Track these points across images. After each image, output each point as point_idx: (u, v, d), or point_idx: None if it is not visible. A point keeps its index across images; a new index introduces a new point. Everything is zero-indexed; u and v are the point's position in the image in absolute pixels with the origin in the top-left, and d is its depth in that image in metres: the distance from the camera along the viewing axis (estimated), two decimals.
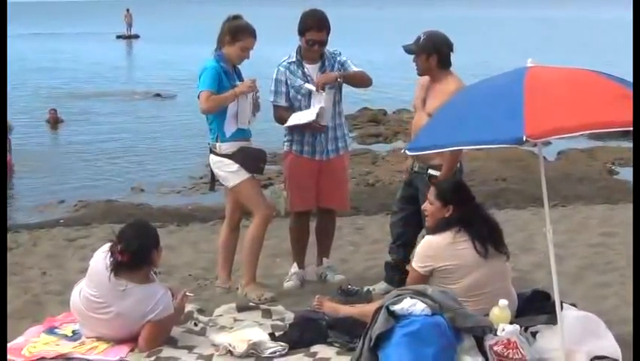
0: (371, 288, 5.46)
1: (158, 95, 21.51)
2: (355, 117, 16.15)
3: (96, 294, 4.57)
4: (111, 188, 11.07)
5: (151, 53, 38.25)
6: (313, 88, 5.56)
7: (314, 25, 5.57)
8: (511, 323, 4.24)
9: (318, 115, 5.53)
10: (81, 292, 4.66)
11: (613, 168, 11.72)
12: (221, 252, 5.82)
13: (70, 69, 29.79)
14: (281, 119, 5.75)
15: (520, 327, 4.27)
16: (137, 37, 48.60)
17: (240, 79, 5.56)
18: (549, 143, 10.98)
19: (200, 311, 5.11)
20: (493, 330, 4.17)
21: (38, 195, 10.69)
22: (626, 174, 11.06)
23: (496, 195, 9.39)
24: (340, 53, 5.77)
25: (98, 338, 4.64)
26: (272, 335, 4.62)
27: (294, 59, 5.68)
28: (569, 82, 4.01)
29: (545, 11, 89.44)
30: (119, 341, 4.59)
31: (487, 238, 4.53)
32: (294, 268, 6.01)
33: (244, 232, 5.78)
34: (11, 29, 31.23)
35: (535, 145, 4.04)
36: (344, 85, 5.73)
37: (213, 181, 5.85)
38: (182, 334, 4.74)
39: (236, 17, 5.57)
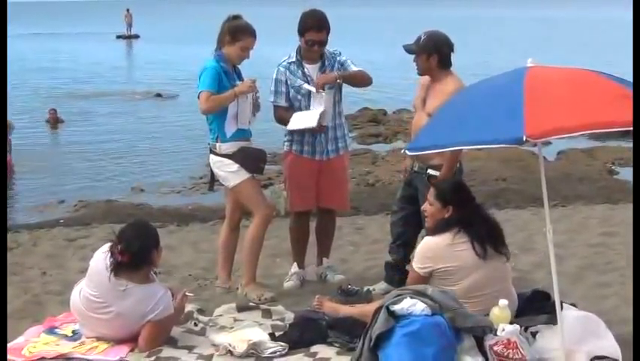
0: (371, 288, 5.46)
1: (158, 95, 21.50)
2: (355, 117, 16.15)
3: (96, 294, 4.57)
4: (111, 188, 11.07)
5: (151, 53, 38.24)
6: (313, 89, 5.56)
7: (314, 26, 5.57)
8: (511, 323, 4.24)
9: (318, 119, 5.53)
10: (81, 292, 4.66)
11: (613, 168, 11.72)
12: (221, 252, 5.82)
13: (70, 69, 29.79)
14: (281, 120, 5.75)
15: (520, 327, 4.27)
16: (137, 37, 48.61)
17: (240, 79, 5.56)
18: (549, 143, 10.98)
19: (200, 311, 5.11)
20: (493, 330, 4.17)
21: (38, 195, 10.69)
22: (626, 174, 11.06)
23: (496, 195, 9.39)
24: (340, 53, 5.77)
25: (98, 338, 4.63)
26: (272, 335, 4.62)
27: (294, 59, 5.68)
28: (569, 82, 4.01)
29: (545, 11, 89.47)
30: (119, 341, 4.59)
31: (487, 238, 4.52)
32: (294, 268, 6.01)
33: (244, 232, 5.78)
34: (11, 29, 31.24)
35: (535, 145, 4.03)
36: (344, 85, 5.73)
37: (213, 181, 5.85)
38: (182, 334, 4.74)
39: (236, 17, 5.57)
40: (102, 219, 8.65)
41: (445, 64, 5.36)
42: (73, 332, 4.79)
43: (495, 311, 4.30)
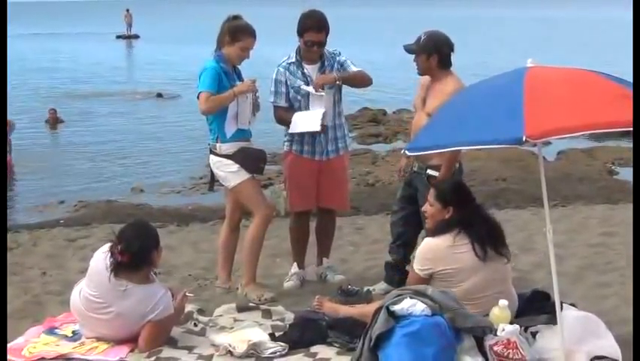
0: (371, 288, 5.47)
1: (159, 95, 21.49)
2: (355, 117, 16.15)
3: (96, 294, 4.57)
4: (111, 188, 11.07)
5: (151, 53, 38.25)
6: (312, 90, 5.55)
7: (313, 26, 5.57)
8: (511, 323, 4.24)
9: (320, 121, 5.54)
10: (81, 292, 4.66)
11: (613, 168, 11.72)
12: (222, 252, 5.82)
13: (70, 69, 29.79)
14: (281, 120, 5.75)
15: (520, 327, 4.27)
16: (137, 37, 48.62)
17: (240, 79, 5.56)
18: (549, 143, 10.98)
19: (200, 311, 5.11)
20: (493, 330, 4.17)
21: (38, 195, 10.68)
22: (626, 174, 11.06)
23: (496, 195, 9.39)
24: (340, 53, 5.77)
25: (98, 339, 4.63)
26: (272, 336, 4.62)
27: (293, 60, 5.68)
28: (569, 82, 4.01)
29: (545, 11, 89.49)
30: (119, 342, 4.59)
31: (487, 240, 4.51)
32: (294, 268, 6.01)
33: (244, 232, 5.78)
34: (11, 29, 31.23)
35: (535, 145, 4.03)
36: (344, 85, 5.73)
37: (213, 181, 5.85)
38: (182, 334, 4.74)
39: (236, 17, 5.56)
40: (102, 219, 8.64)
41: (445, 64, 5.36)
42: (73, 332, 4.78)
43: (495, 311, 4.30)
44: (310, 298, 5.09)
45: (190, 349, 4.58)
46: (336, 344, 4.49)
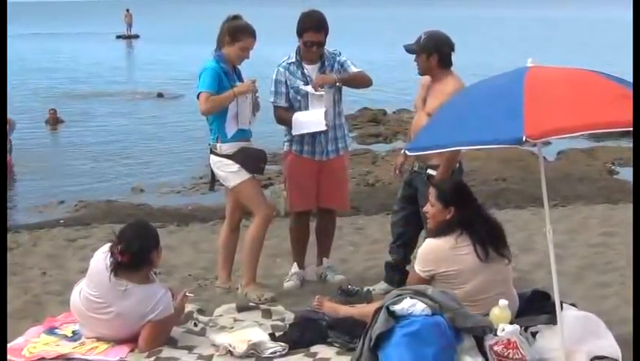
0: (371, 288, 5.46)
1: (159, 95, 21.48)
2: (355, 117, 16.14)
3: (96, 294, 4.57)
4: (111, 188, 11.06)
5: (151, 53, 38.25)
6: (311, 89, 5.55)
7: (312, 27, 5.57)
8: (511, 323, 4.24)
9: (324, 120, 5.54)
10: (81, 292, 4.66)
11: (613, 168, 11.71)
12: (222, 252, 5.82)
13: (70, 69, 29.78)
14: (281, 120, 5.75)
15: (520, 327, 4.27)
16: (137, 37, 48.62)
17: (240, 79, 5.56)
18: (549, 143, 10.97)
19: (200, 311, 5.11)
20: (493, 330, 4.17)
21: (38, 195, 10.67)
22: (626, 174, 11.05)
23: (496, 195, 9.39)
24: (340, 53, 5.77)
25: (98, 339, 4.63)
26: (272, 335, 4.62)
27: (293, 60, 5.68)
28: (569, 82, 4.01)
29: (545, 11, 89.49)
30: (119, 342, 4.59)
31: (489, 240, 4.50)
32: (294, 268, 6.01)
33: (244, 232, 5.78)
34: (11, 29, 31.26)
35: (535, 145, 4.03)
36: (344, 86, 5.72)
37: (213, 181, 5.85)
38: (182, 334, 4.74)
39: (236, 17, 5.56)
40: (102, 219, 8.64)
41: (445, 64, 5.36)
42: (73, 332, 4.78)
43: (495, 311, 4.30)
44: (310, 298, 5.09)
45: (190, 349, 4.58)
46: (336, 344, 4.49)
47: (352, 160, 10.03)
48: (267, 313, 5.10)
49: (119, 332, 4.59)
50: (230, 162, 5.46)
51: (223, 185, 5.68)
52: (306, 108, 5.64)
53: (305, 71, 5.65)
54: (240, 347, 4.44)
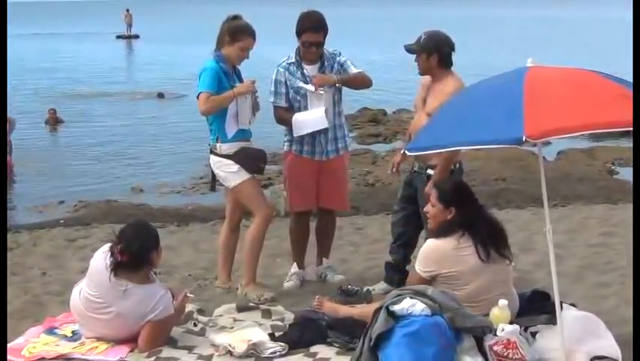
0: (371, 288, 5.46)
1: (160, 95, 21.47)
2: (355, 117, 16.15)
3: (96, 294, 4.57)
4: (111, 188, 11.05)
5: (151, 53, 38.26)
6: (312, 88, 5.55)
7: (310, 27, 5.57)
8: (511, 322, 4.24)
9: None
10: (81, 292, 4.66)
11: (613, 168, 11.72)
12: (222, 252, 5.82)
13: (69, 69, 29.78)
14: (281, 120, 5.75)
15: (520, 327, 4.27)
16: (137, 37, 48.64)
17: (240, 79, 5.56)
18: (549, 143, 10.98)
19: (200, 311, 5.11)
20: (492, 330, 4.17)
21: (38, 195, 10.67)
22: (626, 174, 11.05)
23: (496, 195, 9.39)
24: (340, 54, 5.76)
25: (98, 339, 4.64)
26: (272, 335, 4.63)
27: (293, 60, 5.68)
28: (569, 82, 4.01)
29: (545, 11, 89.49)
30: (119, 342, 4.60)
31: (490, 241, 4.50)
32: (294, 268, 6.01)
33: (244, 232, 5.78)
34: (11, 29, 31.24)
35: (535, 145, 4.03)
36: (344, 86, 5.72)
37: (214, 181, 5.85)
38: (182, 334, 4.74)
39: (236, 17, 5.56)
40: (102, 219, 8.64)
41: (445, 63, 5.35)
42: (73, 332, 4.79)
43: (495, 311, 4.30)
44: (310, 298, 5.10)
45: (190, 349, 4.58)
46: (336, 344, 4.49)
47: (352, 160, 10.03)
48: (267, 314, 5.11)
49: (118, 332, 4.59)
50: (230, 162, 5.46)
51: (223, 185, 5.68)
52: (306, 108, 5.64)
53: (305, 71, 5.65)
54: (240, 347, 4.45)
